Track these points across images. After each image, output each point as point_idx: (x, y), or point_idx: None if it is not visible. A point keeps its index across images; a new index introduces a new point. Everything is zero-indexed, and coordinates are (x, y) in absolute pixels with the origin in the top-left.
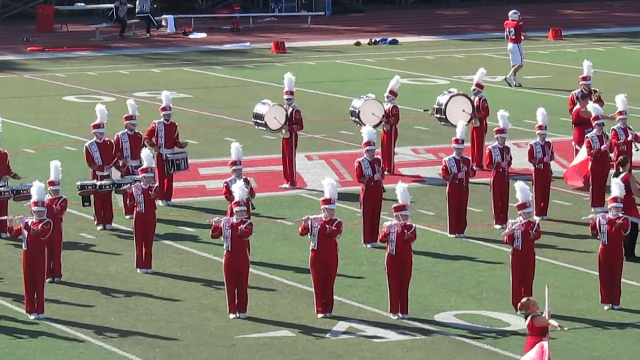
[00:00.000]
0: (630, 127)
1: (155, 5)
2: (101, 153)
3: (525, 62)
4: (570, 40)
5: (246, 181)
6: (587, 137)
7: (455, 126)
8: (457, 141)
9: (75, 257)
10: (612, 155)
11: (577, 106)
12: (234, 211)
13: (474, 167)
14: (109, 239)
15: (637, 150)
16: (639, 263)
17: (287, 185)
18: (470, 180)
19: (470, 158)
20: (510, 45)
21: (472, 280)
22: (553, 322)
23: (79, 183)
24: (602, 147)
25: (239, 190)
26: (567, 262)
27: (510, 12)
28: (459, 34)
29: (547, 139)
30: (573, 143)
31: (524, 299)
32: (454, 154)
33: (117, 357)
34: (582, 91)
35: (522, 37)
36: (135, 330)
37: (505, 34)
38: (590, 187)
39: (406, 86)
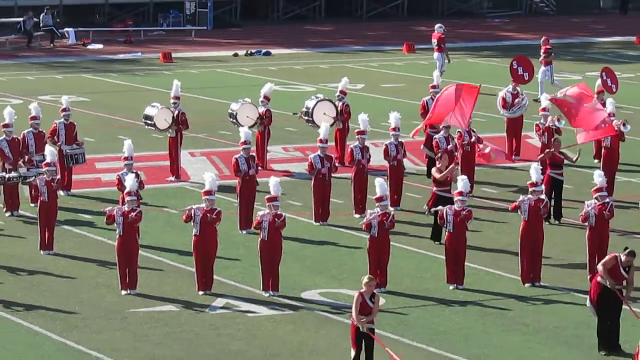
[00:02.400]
0: (474, 129)
1: (58, 20)
2: (10, 149)
3: (383, 72)
4: (422, 53)
5: (136, 174)
6: (435, 138)
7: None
8: (321, 141)
9: None
10: (457, 154)
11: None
12: (126, 200)
13: (336, 164)
14: (16, 224)
15: (480, 150)
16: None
17: (172, 179)
18: (334, 175)
19: (333, 156)
20: (435, 54)
21: (334, 263)
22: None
23: None
24: (449, 147)
25: (130, 182)
26: (418, 248)
27: (436, 26)
28: (324, 47)
29: (400, 139)
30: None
31: (366, 279)
32: (318, 152)
33: (22, 328)
34: (431, 98)
35: (443, 47)
36: (38, 305)
37: (432, 44)
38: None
39: (278, 92)
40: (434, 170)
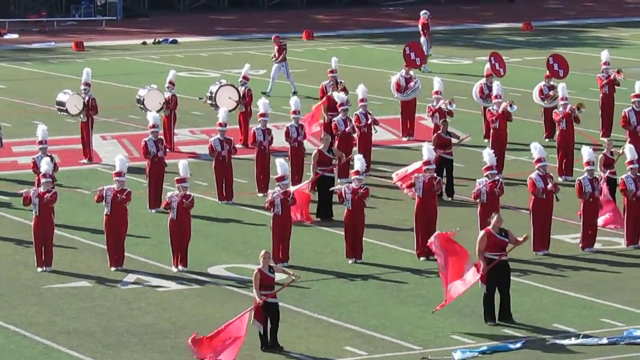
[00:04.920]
0: (370, 112)
1: None
2: None
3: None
4: (321, 40)
5: (51, 157)
6: (333, 121)
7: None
8: (220, 125)
9: None
10: (355, 135)
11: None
12: (41, 182)
13: (236, 146)
14: None
15: (376, 132)
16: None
17: (85, 161)
18: (238, 156)
19: (232, 138)
20: (422, 38)
21: (239, 239)
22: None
23: None
24: (347, 129)
25: (44, 165)
26: (318, 225)
27: (421, 12)
28: (229, 35)
29: (300, 122)
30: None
31: (262, 253)
32: (218, 135)
33: None
34: (330, 82)
35: (426, 33)
36: None
37: (418, 29)
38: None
39: (184, 78)
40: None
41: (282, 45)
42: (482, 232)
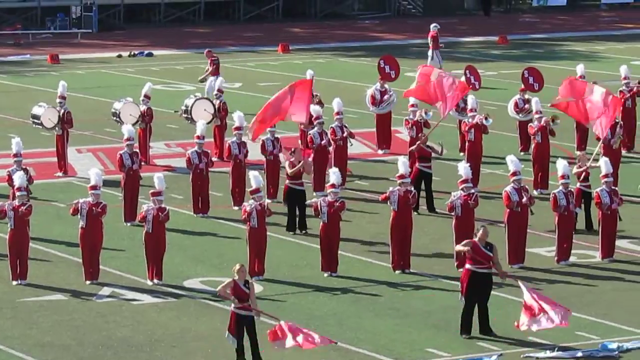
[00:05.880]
0: (346, 125)
1: None
2: None
3: (260, 72)
4: (296, 53)
5: (26, 170)
6: (309, 134)
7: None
8: (198, 137)
9: None
10: (330, 148)
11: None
12: (16, 195)
13: (213, 159)
14: None
15: (352, 145)
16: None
17: (60, 174)
18: (213, 169)
19: (209, 151)
20: (430, 51)
21: (215, 252)
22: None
23: None
24: (322, 142)
25: (19, 178)
26: (293, 238)
27: (432, 25)
28: (204, 48)
29: (276, 135)
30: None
31: (237, 267)
32: (195, 148)
33: None
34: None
35: (440, 45)
36: None
37: (428, 41)
38: (313, 175)
39: (160, 91)
40: (286, 164)
41: (214, 60)
42: (467, 241)
